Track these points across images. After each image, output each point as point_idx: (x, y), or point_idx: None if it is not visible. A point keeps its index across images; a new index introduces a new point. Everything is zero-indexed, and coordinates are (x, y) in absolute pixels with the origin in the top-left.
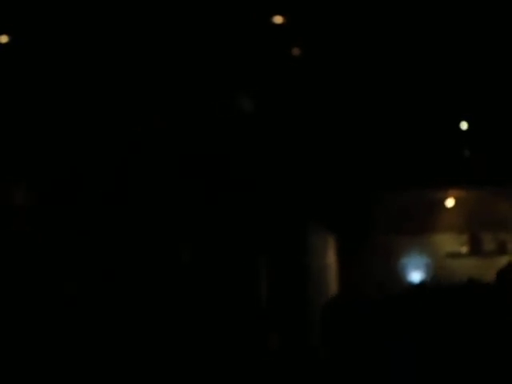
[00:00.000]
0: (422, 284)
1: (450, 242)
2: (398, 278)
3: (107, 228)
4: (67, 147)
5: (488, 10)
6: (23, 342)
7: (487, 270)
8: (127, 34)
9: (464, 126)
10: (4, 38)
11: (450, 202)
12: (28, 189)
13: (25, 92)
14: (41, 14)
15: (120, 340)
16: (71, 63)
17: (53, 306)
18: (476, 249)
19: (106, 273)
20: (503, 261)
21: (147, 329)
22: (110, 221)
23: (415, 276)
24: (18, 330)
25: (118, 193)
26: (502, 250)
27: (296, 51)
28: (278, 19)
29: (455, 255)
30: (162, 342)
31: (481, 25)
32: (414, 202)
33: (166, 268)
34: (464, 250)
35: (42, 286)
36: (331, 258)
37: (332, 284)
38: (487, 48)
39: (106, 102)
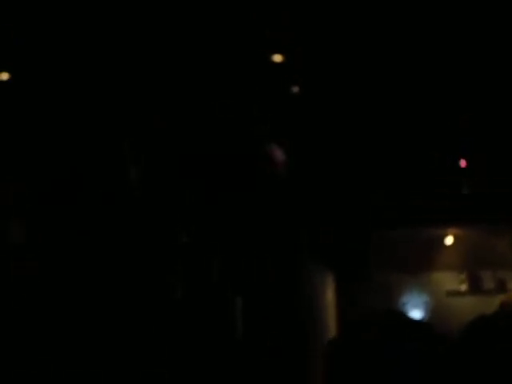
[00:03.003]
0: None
1: (449, 281)
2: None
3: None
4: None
5: (481, 41)
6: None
7: (487, 308)
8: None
9: (462, 163)
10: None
11: (448, 240)
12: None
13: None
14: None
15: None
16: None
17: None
18: (475, 287)
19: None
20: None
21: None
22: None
23: (414, 314)
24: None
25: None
26: (501, 288)
27: (295, 89)
28: (277, 58)
29: (454, 293)
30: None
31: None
32: (413, 240)
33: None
34: (463, 288)
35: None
36: (330, 295)
37: (331, 322)
38: (485, 86)
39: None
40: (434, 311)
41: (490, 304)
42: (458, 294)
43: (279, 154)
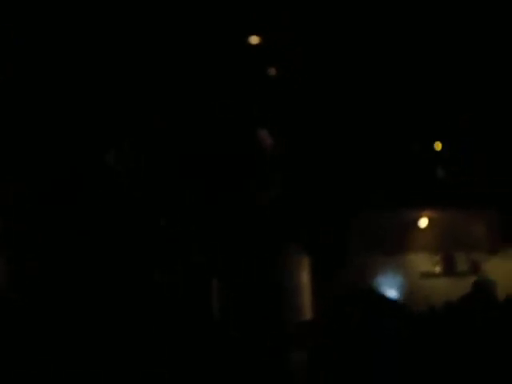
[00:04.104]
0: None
1: (424, 262)
2: None
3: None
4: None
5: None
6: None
7: (460, 290)
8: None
9: (438, 146)
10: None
11: (423, 223)
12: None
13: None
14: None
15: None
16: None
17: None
18: (449, 269)
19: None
20: None
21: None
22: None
23: (389, 295)
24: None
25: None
26: (474, 270)
27: (272, 71)
28: (254, 39)
29: (429, 275)
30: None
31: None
32: (388, 222)
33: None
34: (437, 270)
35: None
36: (305, 277)
37: (306, 304)
38: (465, 76)
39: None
40: (408, 292)
41: (464, 286)
42: (432, 275)
43: (266, 139)
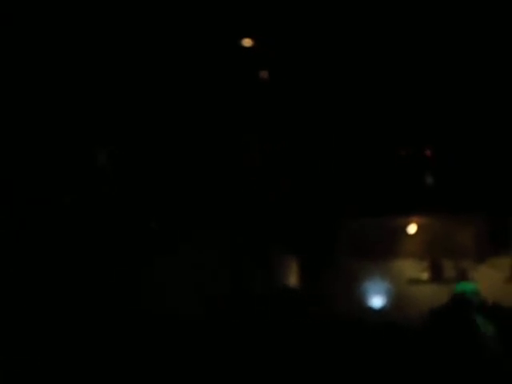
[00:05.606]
0: None
1: (411, 269)
2: (360, 302)
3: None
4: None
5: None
6: None
7: (447, 296)
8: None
9: (427, 153)
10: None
11: (412, 229)
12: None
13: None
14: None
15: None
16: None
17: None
18: (437, 275)
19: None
20: None
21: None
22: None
23: (376, 301)
24: None
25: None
26: (462, 277)
27: (264, 74)
28: (247, 42)
29: (416, 281)
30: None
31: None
32: (377, 228)
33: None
34: (425, 276)
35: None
36: (294, 281)
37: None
38: (448, 80)
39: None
40: (395, 298)
41: (451, 293)
42: (419, 281)
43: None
